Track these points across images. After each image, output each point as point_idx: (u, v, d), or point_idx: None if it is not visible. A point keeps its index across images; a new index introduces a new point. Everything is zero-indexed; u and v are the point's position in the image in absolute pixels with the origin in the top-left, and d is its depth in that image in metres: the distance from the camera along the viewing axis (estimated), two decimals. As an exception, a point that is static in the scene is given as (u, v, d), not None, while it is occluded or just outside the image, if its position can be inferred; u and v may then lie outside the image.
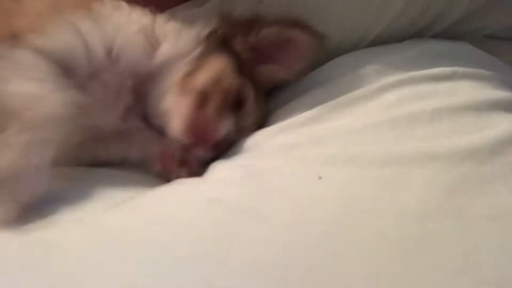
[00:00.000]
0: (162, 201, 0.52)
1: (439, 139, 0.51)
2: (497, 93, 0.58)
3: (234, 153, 0.60)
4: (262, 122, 0.65)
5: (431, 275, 0.40)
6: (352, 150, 0.52)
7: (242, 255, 0.42)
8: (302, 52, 0.66)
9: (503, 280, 0.40)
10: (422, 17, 0.70)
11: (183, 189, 0.55)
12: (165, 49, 0.64)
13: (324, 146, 0.54)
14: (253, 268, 0.41)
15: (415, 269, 0.41)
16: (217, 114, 0.61)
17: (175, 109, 0.61)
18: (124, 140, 0.66)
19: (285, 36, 0.66)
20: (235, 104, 0.63)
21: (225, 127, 0.61)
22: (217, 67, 0.63)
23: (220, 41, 0.66)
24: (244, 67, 0.65)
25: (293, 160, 0.53)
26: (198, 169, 0.60)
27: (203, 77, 0.62)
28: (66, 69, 0.59)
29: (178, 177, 0.59)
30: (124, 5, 0.65)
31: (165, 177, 0.60)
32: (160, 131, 0.64)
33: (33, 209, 0.50)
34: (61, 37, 0.59)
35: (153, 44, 0.64)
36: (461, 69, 0.60)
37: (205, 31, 0.66)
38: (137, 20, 0.64)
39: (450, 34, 0.72)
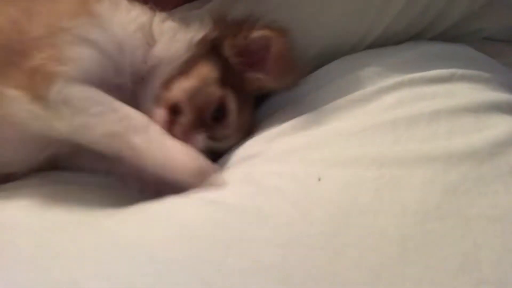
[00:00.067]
0: (161, 202, 0.52)
1: (438, 141, 0.51)
2: (495, 95, 0.58)
3: (232, 160, 0.60)
4: (249, 130, 0.64)
5: (431, 275, 0.40)
6: (351, 152, 0.52)
7: (242, 255, 0.42)
8: (272, 52, 0.63)
9: (503, 279, 0.40)
10: (421, 19, 0.70)
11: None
12: (158, 49, 0.64)
13: (323, 148, 0.54)
14: (253, 268, 0.41)
15: (415, 269, 0.41)
16: (188, 129, 0.60)
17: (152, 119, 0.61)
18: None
19: (269, 44, 0.63)
20: (216, 114, 0.63)
21: (196, 143, 0.60)
22: (199, 76, 0.62)
23: (210, 46, 0.65)
24: (232, 72, 0.64)
25: (292, 164, 0.53)
26: None
27: (179, 88, 0.61)
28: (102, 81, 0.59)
29: None
30: (123, 2, 0.64)
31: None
32: None
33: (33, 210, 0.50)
34: (82, 57, 0.58)
35: (149, 42, 0.64)
36: (459, 71, 0.60)
37: (199, 35, 0.65)
38: (136, 17, 0.64)
39: (449, 36, 0.72)
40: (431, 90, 0.58)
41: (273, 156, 0.56)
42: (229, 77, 0.63)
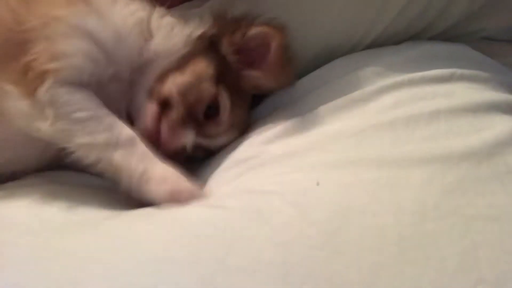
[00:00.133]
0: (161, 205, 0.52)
1: (437, 141, 0.51)
2: (494, 95, 0.58)
3: (229, 161, 0.60)
4: (243, 129, 0.64)
5: (429, 274, 0.40)
6: (350, 154, 0.52)
7: (242, 254, 0.42)
8: (270, 49, 0.63)
9: (501, 279, 0.40)
10: (420, 19, 0.70)
11: None
12: (155, 44, 0.64)
13: (321, 151, 0.54)
14: (253, 267, 0.41)
15: (413, 269, 0.41)
16: (177, 125, 0.60)
17: (142, 112, 0.62)
18: None
19: (268, 42, 0.63)
20: (209, 111, 0.62)
21: (183, 139, 0.60)
22: (193, 72, 0.62)
23: (208, 42, 0.65)
24: (229, 70, 0.64)
25: (291, 168, 0.53)
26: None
27: (172, 83, 0.62)
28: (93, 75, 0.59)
29: None
30: None
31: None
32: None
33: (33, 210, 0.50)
34: (76, 51, 0.58)
35: (146, 37, 0.63)
36: (458, 71, 0.60)
37: (198, 32, 0.65)
38: (135, 11, 0.63)
39: (448, 36, 0.72)
40: (430, 90, 0.58)
41: (271, 159, 0.56)
42: (225, 74, 0.63)
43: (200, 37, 0.65)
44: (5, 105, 0.57)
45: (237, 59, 0.65)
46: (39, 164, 0.64)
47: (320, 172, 0.51)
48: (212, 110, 0.63)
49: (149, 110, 0.61)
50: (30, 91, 0.55)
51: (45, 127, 0.55)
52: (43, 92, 0.55)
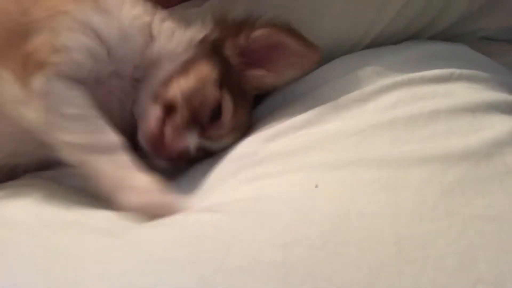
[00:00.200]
0: None
1: (436, 141, 0.52)
2: (493, 95, 0.58)
3: (228, 157, 0.60)
4: (246, 130, 0.64)
5: (428, 274, 0.40)
6: (349, 154, 0.52)
7: (242, 254, 0.42)
8: (293, 60, 0.64)
9: (499, 278, 0.40)
10: (420, 18, 0.70)
11: None
12: (156, 48, 0.64)
13: (321, 151, 0.54)
14: (252, 268, 0.41)
15: (412, 268, 0.41)
16: (181, 128, 0.60)
17: (145, 115, 0.62)
18: None
19: (275, 41, 0.64)
20: (212, 115, 0.63)
21: (187, 142, 0.60)
22: (197, 77, 0.62)
23: (211, 46, 0.65)
24: (232, 73, 0.65)
25: (290, 168, 0.53)
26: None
27: (177, 88, 0.62)
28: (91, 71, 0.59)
29: None
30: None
31: None
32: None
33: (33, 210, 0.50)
34: (77, 46, 0.58)
35: (147, 41, 0.64)
36: (458, 71, 0.60)
37: (199, 36, 0.65)
38: (140, 15, 0.64)
39: (447, 35, 0.72)
40: (430, 89, 0.58)
41: (270, 159, 0.55)
42: (228, 77, 0.64)
43: (202, 41, 0.65)
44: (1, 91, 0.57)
45: (241, 61, 0.65)
46: (40, 158, 0.64)
47: (319, 172, 0.51)
48: (215, 113, 0.63)
49: (153, 113, 0.61)
50: (26, 79, 0.56)
51: (34, 117, 0.55)
52: (38, 82, 0.55)
